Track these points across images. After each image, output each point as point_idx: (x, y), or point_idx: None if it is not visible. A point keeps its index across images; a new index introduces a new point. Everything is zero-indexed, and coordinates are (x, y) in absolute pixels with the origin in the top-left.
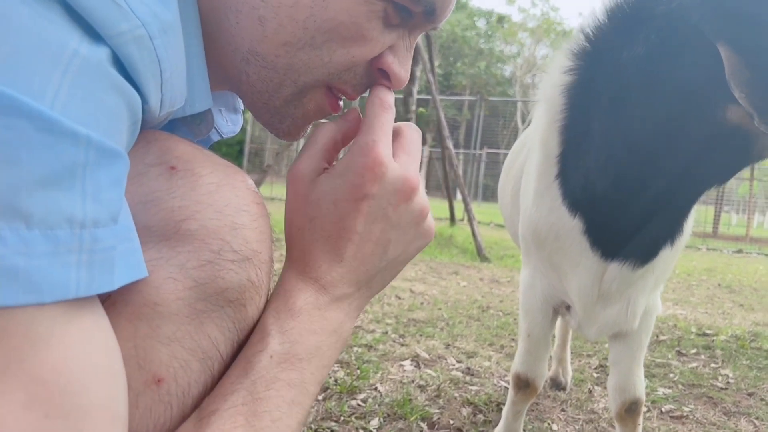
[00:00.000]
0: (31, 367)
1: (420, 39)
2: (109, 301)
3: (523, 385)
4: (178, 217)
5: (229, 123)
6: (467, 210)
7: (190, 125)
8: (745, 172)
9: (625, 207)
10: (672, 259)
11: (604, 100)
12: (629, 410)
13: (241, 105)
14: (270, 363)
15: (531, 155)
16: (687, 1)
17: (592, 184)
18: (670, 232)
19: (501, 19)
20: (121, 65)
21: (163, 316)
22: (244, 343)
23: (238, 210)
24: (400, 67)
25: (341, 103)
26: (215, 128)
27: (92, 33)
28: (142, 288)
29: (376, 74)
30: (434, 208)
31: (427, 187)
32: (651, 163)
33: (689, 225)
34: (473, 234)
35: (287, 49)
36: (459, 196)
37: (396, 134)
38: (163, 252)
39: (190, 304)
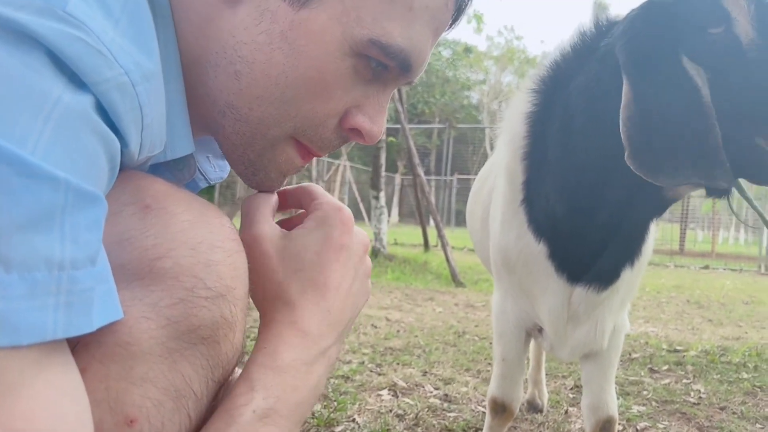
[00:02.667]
0: (1, 415)
1: None
2: (82, 342)
3: (500, 409)
4: (152, 256)
5: (217, 169)
6: (440, 236)
7: (173, 170)
8: None
9: (582, 232)
10: (635, 279)
11: (556, 128)
12: (603, 429)
13: None
14: (252, 418)
15: (498, 182)
16: (617, 34)
17: (552, 210)
18: (629, 255)
19: (467, 49)
20: (104, 111)
21: (136, 357)
22: (219, 381)
23: (212, 247)
24: (372, 123)
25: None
26: (202, 174)
27: (76, 80)
28: (115, 328)
29: (347, 133)
30: (408, 235)
31: (399, 214)
32: (596, 191)
33: (649, 245)
34: (447, 259)
35: (260, 103)
36: (432, 222)
37: None
38: (136, 291)
39: (163, 343)
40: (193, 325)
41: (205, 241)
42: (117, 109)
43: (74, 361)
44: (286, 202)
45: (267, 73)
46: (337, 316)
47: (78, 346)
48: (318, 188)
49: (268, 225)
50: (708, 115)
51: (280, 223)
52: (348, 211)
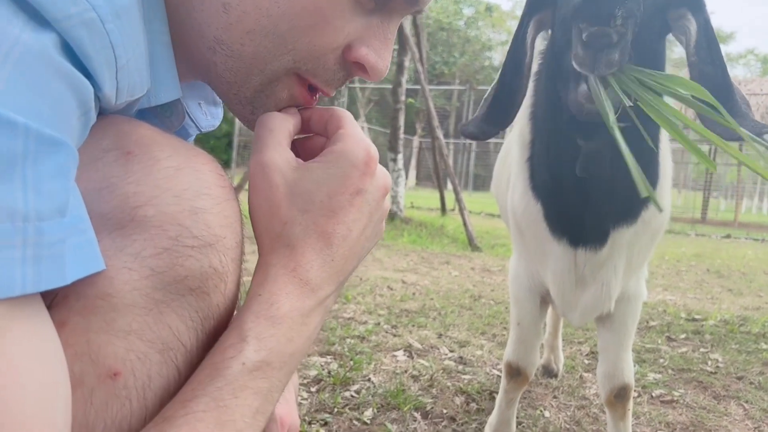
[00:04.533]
0: None
1: (408, 29)
2: (61, 294)
3: (515, 373)
4: (134, 203)
5: (209, 116)
6: (458, 200)
7: (160, 116)
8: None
9: (561, 190)
10: (642, 243)
11: (542, 85)
12: (618, 396)
13: None
14: (242, 370)
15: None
16: None
17: (541, 168)
18: (616, 213)
19: (489, 8)
20: (70, 51)
21: (118, 308)
22: (211, 333)
23: (198, 194)
24: (376, 57)
25: (317, 97)
26: (193, 122)
27: (38, 18)
28: (95, 280)
29: (351, 67)
30: (425, 198)
31: (417, 177)
32: (556, 149)
33: (660, 212)
34: (464, 223)
35: (251, 37)
36: (449, 185)
37: None
38: (117, 241)
39: (147, 294)
40: (180, 276)
41: (191, 188)
42: (85, 48)
43: (50, 315)
44: (309, 124)
45: (257, 5)
46: (340, 265)
47: (57, 299)
48: (347, 115)
49: (279, 153)
50: (523, 76)
51: (298, 143)
52: (374, 150)
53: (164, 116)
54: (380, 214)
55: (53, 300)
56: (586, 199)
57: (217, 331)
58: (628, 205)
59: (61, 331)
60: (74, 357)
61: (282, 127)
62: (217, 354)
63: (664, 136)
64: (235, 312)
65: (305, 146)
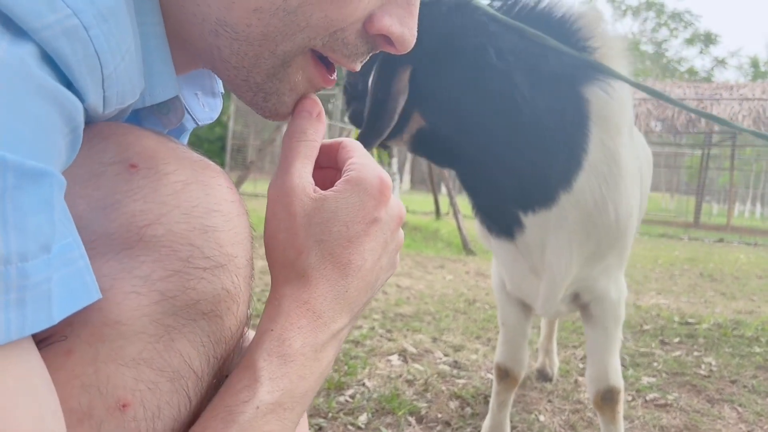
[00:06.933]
0: None
1: None
2: (65, 321)
3: (504, 375)
4: (141, 222)
5: (206, 108)
6: (452, 203)
7: (156, 114)
8: (726, 162)
9: (475, 189)
10: (586, 230)
11: None
12: (605, 398)
13: (220, 87)
14: (256, 415)
15: None
16: None
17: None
18: (524, 200)
19: None
20: (52, 63)
21: (127, 336)
22: (221, 358)
23: (208, 211)
24: (401, 26)
25: (334, 76)
26: (190, 115)
27: (14, 28)
28: (102, 306)
29: (376, 40)
30: (419, 203)
31: (411, 181)
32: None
33: (627, 195)
34: (458, 227)
35: (259, 16)
36: (444, 189)
37: None
38: (125, 262)
39: (158, 321)
40: (192, 300)
41: (200, 205)
42: (66, 58)
43: (41, 358)
44: (318, 157)
45: None
46: (354, 296)
47: (61, 325)
48: (357, 145)
49: (301, 180)
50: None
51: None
52: (387, 178)
53: (161, 113)
54: (395, 244)
55: (57, 324)
56: (485, 193)
57: (227, 355)
58: (530, 189)
59: (67, 360)
60: (81, 389)
61: (308, 153)
62: (230, 396)
63: (623, 131)
64: (245, 334)
65: (316, 178)
